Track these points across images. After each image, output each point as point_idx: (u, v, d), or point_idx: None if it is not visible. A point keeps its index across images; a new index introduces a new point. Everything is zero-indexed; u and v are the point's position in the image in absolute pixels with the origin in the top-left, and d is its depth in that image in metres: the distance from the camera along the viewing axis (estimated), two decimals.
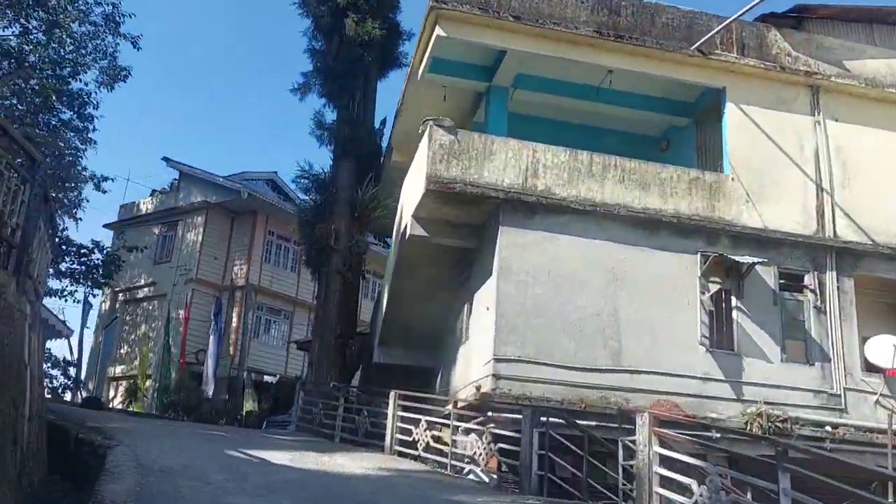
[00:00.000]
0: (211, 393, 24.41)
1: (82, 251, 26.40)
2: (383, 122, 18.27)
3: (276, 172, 30.76)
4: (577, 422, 10.41)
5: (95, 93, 28.63)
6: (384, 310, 15.52)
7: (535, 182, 12.29)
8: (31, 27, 27.45)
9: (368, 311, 22.86)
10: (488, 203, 12.22)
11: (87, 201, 28.70)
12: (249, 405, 25.52)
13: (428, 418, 11.94)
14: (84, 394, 29.63)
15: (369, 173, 17.33)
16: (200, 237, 28.69)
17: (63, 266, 26.52)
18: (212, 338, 25.57)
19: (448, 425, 11.46)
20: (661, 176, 12.77)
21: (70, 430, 9.53)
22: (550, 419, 10.26)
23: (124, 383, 28.84)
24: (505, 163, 12.27)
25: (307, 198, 17.88)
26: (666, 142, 15.42)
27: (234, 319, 27.38)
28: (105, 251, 27.21)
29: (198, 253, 28.52)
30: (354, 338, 17.16)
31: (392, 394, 12.67)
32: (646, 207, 12.52)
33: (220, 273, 28.95)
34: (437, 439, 11.73)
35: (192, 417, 23.70)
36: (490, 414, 11.10)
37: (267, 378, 27.25)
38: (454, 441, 11.25)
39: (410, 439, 12.04)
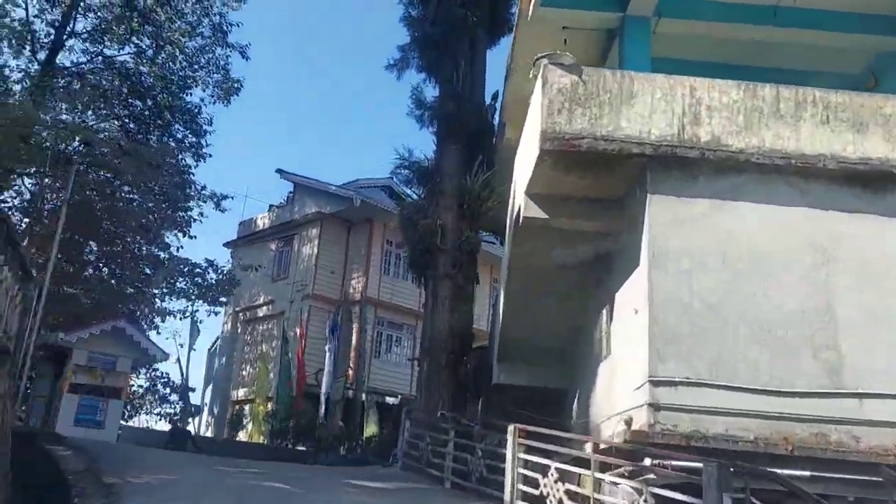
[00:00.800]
0: (327, 416, 22.11)
1: (196, 270, 25.08)
2: (494, 97, 15.11)
3: (391, 178, 28.34)
4: (781, 472, 6.78)
5: (206, 104, 27.77)
6: (501, 319, 12.29)
7: (697, 131, 8.62)
8: (143, 45, 26.83)
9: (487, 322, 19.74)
10: (630, 164, 8.69)
11: (205, 217, 27.53)
12: (371, 429, 23.00)
13: (560, 465, 8.57)
14: (209, 420, 28.44)
15: (479, 157, 14.23)
16: (315, 250, 26.73)
17: (178, 285, 25.35)
18: (328, 357, 23.35)
19: (589, 475, 8.07)
20: (885, 112, 8.71)
21: None
22: (744, 469, 6.68)
23: (247, 407, 27.31)
24: (651, 107, 8.69)
25: (409, 191, 15.01)
26: (873, 78, 11.21)
27: (353, 336, 25.06)
28: (219, 270, 25.85)
29: (313, 267, 26.57)
30: (470, 354, 14.03)
31: (511, 429, 9.38)
32: (865, 157, 8.52)
33: (337, 287, 26.85)
34: (574, 495, 8.33)
35: (307, 444, 21.49)
36: (649, 462, 7.58)
37: (389, 399, 24.69)
38: (597, 502, 7.82)
39: (538, 492, 8.73)
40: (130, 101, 26.28)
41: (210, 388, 29.19)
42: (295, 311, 26.20)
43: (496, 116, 14.85)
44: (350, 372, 24.10)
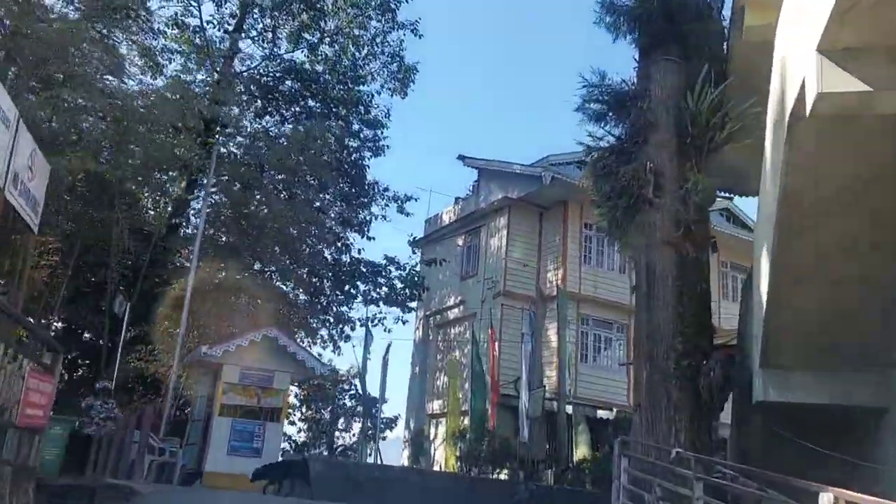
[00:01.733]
0: (527, 434, 18.26)
1: (375, 269, 22.54)
2: None
3: (584, 152, 23.95)
4: None
5: (380, 94, 25.38)
6: (765, 301, 7.63)
7: None
8: (314, 40, 25.06)
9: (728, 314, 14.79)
10: None
11: (387, 221, 25.04)
12: (582, 451, 18.79)
13: None
14: (405, 436, 25.79)
15: (703, 68, 9.62)
16: (504, 242, 23.05)
17: (362, 288, 22.98)
18: (524, 363, 19.54)
19: None
20: None
21: None
22: None
23: (443, 422, 24.27)
24: None
25: (602, 130, 10.69)
26: None
27: (553, 338, 21.00)
28: (403, 266, 23.13)
29: (503, 261, 22.90)
30: (712, 355, 9.40)
31: (826, 500, 4.87)
32: None
33: (532, 282, 22.95)
34: None
35: (507, 465, 17.79)
36: None
37: (601, 413, 20.29)
38: None
39: None
40: (305, 99, 24.63)
41: (405, 399, 26.63)
42: (486, 312, 22.73)
43: (722, 7, 10.16)
44: (552, 380, 20.05)
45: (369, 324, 21.59)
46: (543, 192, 22.09)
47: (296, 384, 21.23)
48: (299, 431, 22.54)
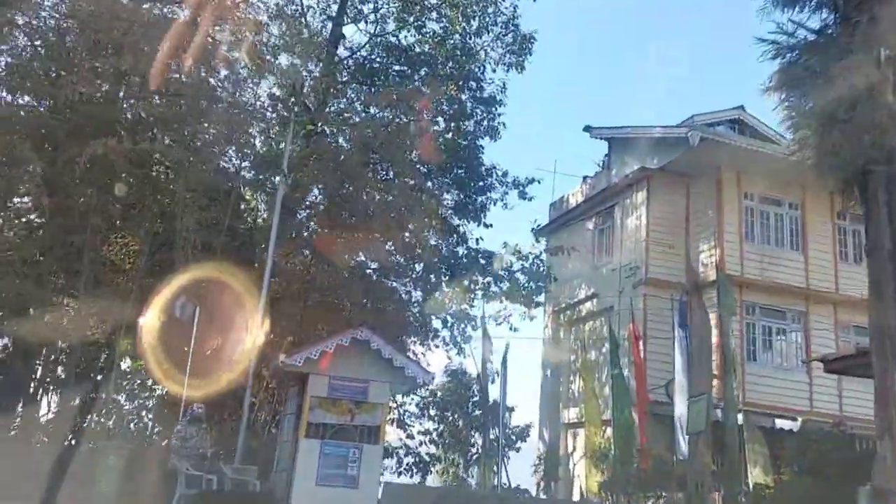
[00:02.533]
0: (686, 450, 14.75)
1: (480, 256, 19.68)
2: None
3: (741, 107, 19.98)
4: None
5: (493, 69, 22.56)
6: None
7: None
8: (421, 18, 22.65)
9: None
10: None
11: (509, 209, 22.11)
12: (757, 473, 15.03)
13: None
14: (539, 451, 22.69)
15: None
16: (644, 220, 19.54)
17: (478, 284, 20.23)
18: (679, 361, 16.04)
19: None
20: None
21: None
22: None
23: (581, 433, 21.06)
24: None
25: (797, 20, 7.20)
26: None
27: (712, 332, 17.26)
28: (525, 256, 20.16)
29: (643, 243, 19.40)
30: None
31: None
32: None
33: (679, 266, 19.27)
34: None
35: (661, 491, 14.40)
36: None
37: (781, 423, 16.36)
38: None
39: None
40: (412, 81, 22.20)
41: (539, 407, 23.58)
42: (626, 305, 19.31)
43: None
44: (715, 383, 16.36)
45: (487, 320, 18.70)
46: (690, 156, 18.40)
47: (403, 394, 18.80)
48: (420, 444, 19.90)
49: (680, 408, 15.46)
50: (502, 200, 21.39)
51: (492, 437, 19.14)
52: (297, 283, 13.71)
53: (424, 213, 17.11)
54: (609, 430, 18.76)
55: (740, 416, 15.61)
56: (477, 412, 20.04)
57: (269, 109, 19.02)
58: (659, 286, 18.93)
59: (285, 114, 19.90)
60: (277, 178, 12.67)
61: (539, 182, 21.93)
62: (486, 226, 20.52)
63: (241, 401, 13.95)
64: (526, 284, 20.27)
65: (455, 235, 20.34)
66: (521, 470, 20.99)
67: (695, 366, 14.71)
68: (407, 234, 16.80)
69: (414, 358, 21.13)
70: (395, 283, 17.30)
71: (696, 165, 18.82)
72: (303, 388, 11.64)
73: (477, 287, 20.21)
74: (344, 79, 20.98)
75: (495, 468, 18.61)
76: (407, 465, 19.75)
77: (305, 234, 14.96)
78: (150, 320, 11.62)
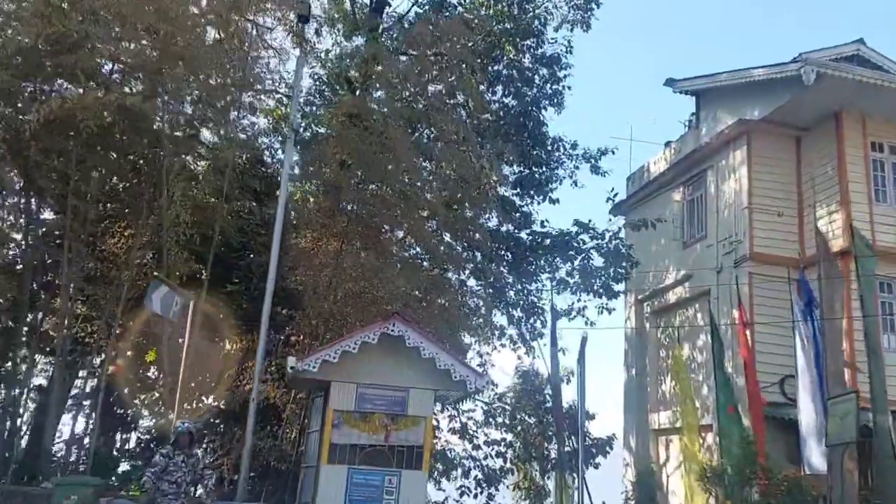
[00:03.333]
0: (819, 464, 11.57)
1: (565, 239, 16.83)
2: None
3: (860, 41, 16.43)
4: None
5: (556, 28, 19.69)
6: None
7: None
8: None
9: None
10: None
11: (580, 188, 19.12)
12: None
13: None
14: (627, 461, 19.61)
15: None
16: (745, 183, 16.25)
17: (545, 269, 17.41)
18: (801, 353, 12.84)
19: None
20: None
21: None
22: None
23: (674, 441, 17.94)
24: None
25: None
26: None
27: (840, 313, 13.88)
28: (602, 236, 17.22)
29: (744, 212, 16.14)
30: None
31: None
32: None
33: (792, 237, 15.96)
34: None
35: None
36: None
37: None
38: None
39: None
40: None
41: (623, 410, 20.51)
42: (725, 287, 16.13)
43: None
44: (848, 375, 13.00)
45: (555, 308, 15.81)
46: (803, 100, 15.07)
47: (451, 404, 16.11)
48: (486, 457, 17.17)
49: (807, 411, 12.28)
50: (571, 177, 18.52)
51: (568, 448, 16.30)
52: (326, 271, 11.20)
53: (480, 186, 14.37)
54: (710, 438, 15.69)
55: (892, 420, 12.25)
56: (548, 418, 17.19)
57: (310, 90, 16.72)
58: (767, 262, 15.65)
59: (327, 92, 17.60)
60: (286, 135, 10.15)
61: (614, 152, 18.87)
62: (553, 201, 17.66)
63: (270, 412, 11.64)
64: (603, 270, 17.28)
65: (518, 215, 17.55)
66: (603, 488, 18.01)
67: (829, 357, 11.49)
68: (460, 212, 14.08)
69: (474, 360, 18.74)
70: (447, 273, 14.59)
71: (810, 113, 15.47)
72: (326, 399, 9.12)
73: (545, 275, 17.40)
74: (389, 48, 18.51)
75: (573, 484, 15.77)
76: (475, 479, 17.07)
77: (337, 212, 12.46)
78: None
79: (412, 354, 8.93)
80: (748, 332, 14.11)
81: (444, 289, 12.23)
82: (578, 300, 17.45)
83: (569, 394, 22.43)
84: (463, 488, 16.20)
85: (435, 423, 17.29)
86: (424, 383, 9.13)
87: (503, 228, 17.17)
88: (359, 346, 8.66)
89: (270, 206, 11.78)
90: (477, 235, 12.52)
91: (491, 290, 17.22)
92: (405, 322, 8.88)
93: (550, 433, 16.74)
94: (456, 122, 13.66)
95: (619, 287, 17.71)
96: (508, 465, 17.77)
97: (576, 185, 18.63)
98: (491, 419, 18.14)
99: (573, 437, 17.17)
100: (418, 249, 13.80)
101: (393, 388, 9.06)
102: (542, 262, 16.91)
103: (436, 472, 16.75)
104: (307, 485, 9.74)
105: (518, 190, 17.90)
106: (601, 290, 17.23)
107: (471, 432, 17.56)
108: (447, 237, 13.06)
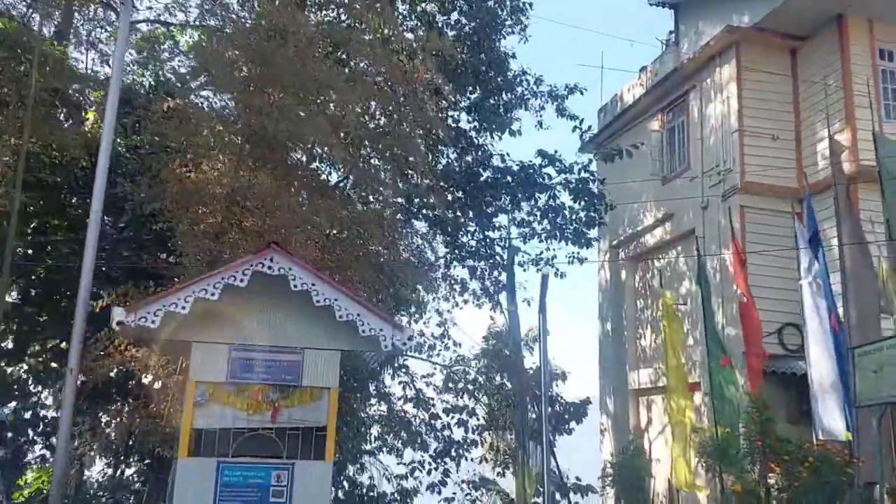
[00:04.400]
0: (833, 427, 9.22)
1: (527, 173, 14.24)
2: None
3: None
4: None
5: None
6: None
7: None
8: None
9: None
10: None
11: (545, 129, 16.44)
12: None
13: None
14: (604, 425, 17.23)
15: None
16: (733, 104, 13.72)
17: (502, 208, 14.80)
18: (807, 293, 10.44)
19: None
20: None
21: None
22: None
23: (657, 402, 15.66)
24: None
25: None
26: None
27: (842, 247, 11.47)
28: (570, 169, 14.61)
29: (734, 136, 13.63)
30: None
31: None
32: None
33: (790, 163, 13.53)
34: None
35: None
36: None
37: None
38: None
39: None
40: None
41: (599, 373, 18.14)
42: (712, 224, 13.71)
43: None
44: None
45: (511, 244, 13.32)
46: (800, 5, 12.52)
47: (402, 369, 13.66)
48: (444, 428, 14.71)
49: (820, 364, 9.91)
50: (537, 114, 15.78)
51: (533, 416, 13.92)
52: (216, 205, 8.50)
53: (415, 94, 11.41)
54: (697, 398, 13.39)
55: None
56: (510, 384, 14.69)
57: None
58: (760, 192, 13.26)
59: None
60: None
61: (583, 92, 16.04)
62: (514, 133, 14.97)
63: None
64: (574, 212, 14.70)
65: (473, 149, 14.87)
66: (578, 457, 15.68)
67: (853, 298, 9.08)
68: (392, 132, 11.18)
69: (433, 319, 16.26)
70: (385, 212, 11.83)
71: (810, 14, 12.93)
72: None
73: (505, 216, 14.78)
74: None
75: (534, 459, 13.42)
76: (435, 452, 14.64)
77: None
78: None
79: (305, 303, 6.33)
80: (742, 268, 11.66)
81: (373, 227, 9.54)
82: (547, 248, 14.97)
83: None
84: (414, 464, 13.76)
85: (387, 390, 14.95)
86: (325, 342, 6.55)
87: (457, 165, 14.54)
88: (221, 291, 6.02)
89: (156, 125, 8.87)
90: (412, 158, 9.79)
91: (446, 237, 14.67)
92: (287, 256, 6.24)
93: (512, 401, 14.30)
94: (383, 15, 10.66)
95: (593, 233, 15.18)
96: (473, 435, 15.35)
97: (541, 125, 15.97)
98: (451, 384, 15.67)
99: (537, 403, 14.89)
100: (338, 177, 11.05)
101: (281, 350, 6.47)
102: (502, 201, 14.28)
103: (399, 443, 14.39)
104: (176, 483, 7.12)
105: (474, 121, 15.19)
106: (571, 237, 14.70)
107: (427, 399, 15.12)
108: (377, 161, 10.29)
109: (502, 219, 14.76)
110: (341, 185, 11.58)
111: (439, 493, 13.50)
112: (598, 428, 17.26)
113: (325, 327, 6.47)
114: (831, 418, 9.30)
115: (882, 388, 7.51)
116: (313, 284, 6.21)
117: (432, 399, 14.89)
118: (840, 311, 10.00)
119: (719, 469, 9.33)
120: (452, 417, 14.82)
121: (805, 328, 10.57)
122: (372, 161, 10.22)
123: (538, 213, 14.47)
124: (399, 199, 11.73)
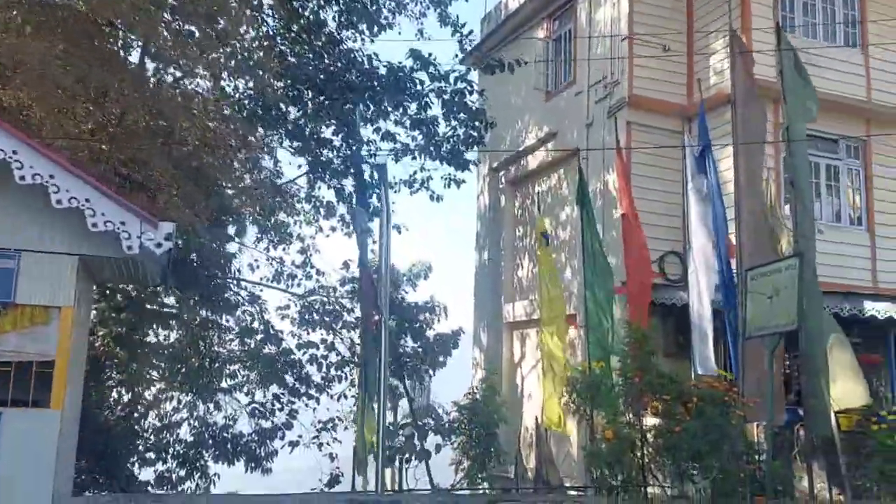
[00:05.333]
0: (712, 363, 8.13)
1: (397, 77, 12.27)
2: None
3: None
4: None
5: None
6: None
7: None
8: None
9: None
10: None
11: (427, 40, 14.46)
12: (842, 388, 8.50)
13: None
14: (477, 360, 15.96)
15: None
16: (623, 10, 12.22)
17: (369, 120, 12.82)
18: (695, 215, 9.23)
19: None
20: None
21: None
22: None
23: (531, 335, 14.43)
24: None
25: None
26: None
27: (759, 155, 10.33)
28: (446, 77, 12.71)
29: (622, 46, 12.15)
30: None
31: None
32: None
33: (681, 77, 12.25)
34: None
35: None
36: None
37: (871, 307, 9.82)
38: None
39: None
40: None
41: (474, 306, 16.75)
42: (597, 142, 12.31)
43: None
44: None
45: (360, 137, 11.49)
46: None
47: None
48: (297, 364, 12.91)
49: (702, 293, 8.75)
50: (417, 21, 13.69)
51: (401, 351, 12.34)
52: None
53: None
54: (572, 331, 12.19)
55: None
56: (393, 316, 12.90)
57: None
58: (648, 108, 11.92)
59: None
60: None
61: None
62: (383, 27, 12.82)
63: None
64: (452, 128, 12.89)
65: (332, 46, 12.67)
66: (449, 391, 14.33)
67: (746, 216, 7.83)
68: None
69: (295, 245, 14.36)
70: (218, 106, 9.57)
71: None
72: None
73: (371, 126, 12.80)
74: None
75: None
76: (288, 389, 12.88)
77: None
78: None
79: (33, 193, 4.20)
80: (627, 193, 10.31)
81: (180, 115, 7.34)
82: (422, 169, 13.18)
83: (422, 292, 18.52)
84: (255, 405, 11.92)
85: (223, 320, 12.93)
86: (52, 242, 4.47)
87: (314, 63, 12.35)
88: None
89: None
90: (223, 23, 7.59)
91: (307, 154, 12.57)
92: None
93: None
94: None
95: (472, 155, 13.48)
96: (333, 371, 13.65)
97: (422, 34, 13.93)
98: (307, 316, 13.82)
99: (407, 336, 13.35)
100: (156, 62, 8.67)
101: None
102: (365, 107, 12.25)
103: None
104: None
105: (339, 16, 12.95)
106: (448, 156, 12.93)
107: (277, 333, 13.24)
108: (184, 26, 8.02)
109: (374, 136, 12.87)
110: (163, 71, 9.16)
111: (282, 437, 11.75)
112: (472, 363, 16.00)
113: (59, 224, 4.39)
114: (712, 351, 8.17)
115: (776, 316, 6.27)
116: (14, 152, 4.07)
117: (282, 332, 13.02)
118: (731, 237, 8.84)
119: (590, 410, 8.01)
120: (304, 353, 13.05)
121: (690, 254, 9.40)
122: (176, 27, 7.89)
123: (408, 124, 12.62)
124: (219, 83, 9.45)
